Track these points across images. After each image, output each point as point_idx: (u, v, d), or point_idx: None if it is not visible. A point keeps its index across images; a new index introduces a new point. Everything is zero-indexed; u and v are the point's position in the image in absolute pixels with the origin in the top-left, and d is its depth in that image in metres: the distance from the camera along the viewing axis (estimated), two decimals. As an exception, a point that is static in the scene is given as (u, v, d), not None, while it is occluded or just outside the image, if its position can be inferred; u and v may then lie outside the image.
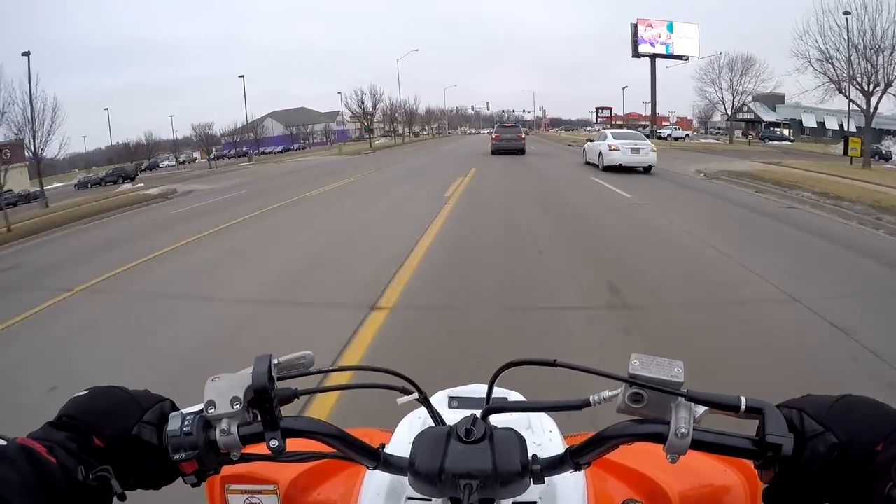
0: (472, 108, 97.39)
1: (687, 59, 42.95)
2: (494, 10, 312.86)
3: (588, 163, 16.46)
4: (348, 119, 72.05)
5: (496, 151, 23.56)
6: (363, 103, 45.92)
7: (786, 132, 46.93)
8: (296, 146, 62.10)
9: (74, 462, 0.43)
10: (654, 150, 14.35)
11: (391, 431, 0.71)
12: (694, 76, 42.73)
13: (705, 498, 0.72)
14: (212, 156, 47.15)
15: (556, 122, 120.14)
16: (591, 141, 17.48)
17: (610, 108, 76.90)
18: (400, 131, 62.54)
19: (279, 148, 59.99)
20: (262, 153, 55.17)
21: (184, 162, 55.05)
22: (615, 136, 14.98)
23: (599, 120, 76.25)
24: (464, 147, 34.08)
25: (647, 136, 17.34)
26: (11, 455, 0.40)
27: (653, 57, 44.09)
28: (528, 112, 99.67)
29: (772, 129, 48.41)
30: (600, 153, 15.00)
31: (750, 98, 42.72)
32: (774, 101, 47.45)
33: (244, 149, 52.19)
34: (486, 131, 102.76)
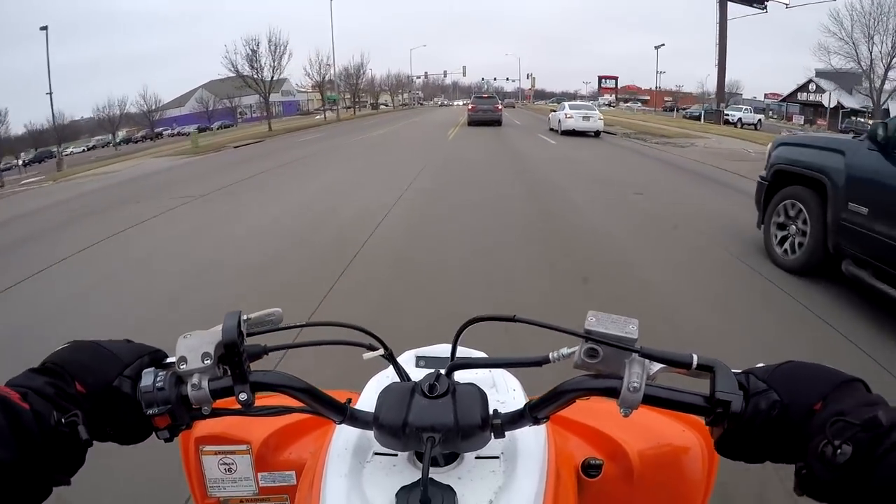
0: (445, 75, 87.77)
1: (765, 7, 30.37)
2: None
3: (551, 129, 20.55)
4: (298, 87, 66.73)
5: (472, 123, 24.05)
6: (309, 69, 42.55)
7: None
8: (217, 124, 53.05)
9: (49, 407, 0.45)
10: (601, 119, 18.68)
11: (359, 392, 0.73)
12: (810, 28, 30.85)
13: (664, 457, 0.76)
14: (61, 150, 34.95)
15: (542, 95, 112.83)
16: (554, 111, 22.09)
17: (616, 78, 75.65)
18: (350, 103, 58.72)
19: (190, 127, 48.86)
20: (158, 136, 50.42)
21: (94, 147, 48.49)
22: (571, 108, 19.60)
23: (601, 90, 74.60)
24: (409, 131, 23.68)
25: (713, 120, 21.45)
26: None
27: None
28: (513, 81, 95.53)
29: (853, 118, 34.40)
30: (559, 120, 19.27)
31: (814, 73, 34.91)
32: (852, 81, 33.63)
33: (157, 130, 49.40)
34: (460, 102, 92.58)
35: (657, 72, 62.52)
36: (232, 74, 33.45)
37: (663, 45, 52.54)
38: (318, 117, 44.02)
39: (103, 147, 48.25)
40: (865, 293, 3.51)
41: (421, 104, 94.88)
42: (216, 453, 0.80)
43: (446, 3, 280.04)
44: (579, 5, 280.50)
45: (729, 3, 30.49)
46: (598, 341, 0.50)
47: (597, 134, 18.58)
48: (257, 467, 0.80)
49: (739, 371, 0.50)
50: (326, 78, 44.28)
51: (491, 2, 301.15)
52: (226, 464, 0.80)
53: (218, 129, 50.81)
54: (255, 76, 32.73)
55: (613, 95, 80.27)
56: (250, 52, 32.07)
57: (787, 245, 4.29)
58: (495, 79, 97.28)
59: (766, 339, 3.07)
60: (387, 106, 79.01)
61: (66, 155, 42.51)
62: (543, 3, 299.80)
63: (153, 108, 54.46)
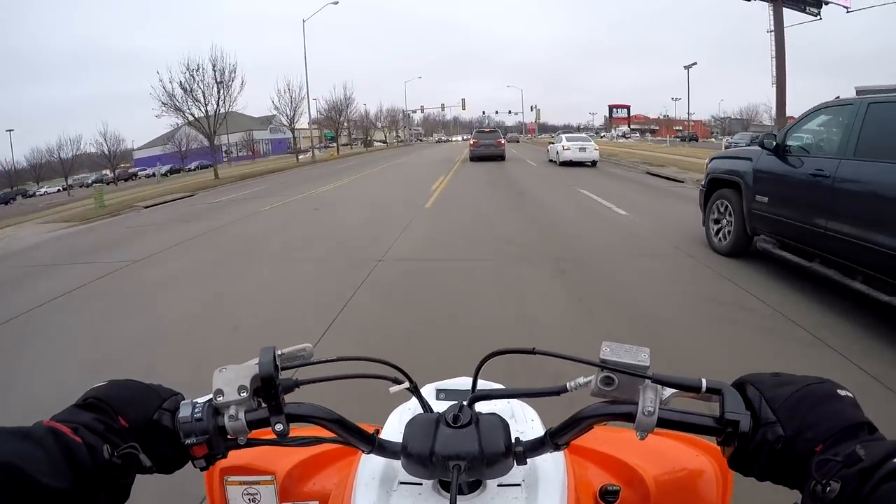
0: (443, 108, 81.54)
1: (819, 15, 24.36)
2: (470, 20, 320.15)
3: (550, 160, 21.74)
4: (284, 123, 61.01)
5: (475, 158, 23.36)
6: (288, 103, 35.75)
7: None
8: (194, 165, 49.75)
9: (100, 441, 0.47)
10: (596, 149, 19.78)
11: (381, 426, 0.75)
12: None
13: (679, 481, 0.78)
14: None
15: (545, 129, 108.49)
16: (552, 143, 23.35)
17: (628, 107, 73.57)
18: (345, 140, 56.00)
19: (162, 169, 41.88)
20: (130, 177, 47.56)
21: (72, 186, 45.63)
22: (568, 139, 20.58)
23: (612, 120, 71.04)
24: (380, 182, 16.98)
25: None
26: (39, 436, 0.44)
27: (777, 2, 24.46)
28: (516, 114, 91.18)
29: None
30: (557, 152, 20.46)
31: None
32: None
33: (134, 170, 46.75)
34: (460, 138, 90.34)
35: (688, 96, 48.92)
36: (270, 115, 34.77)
37: (695, 63, 41.87)
38: (302, 157, 40.75)
39: (78, 187, 45.28)
40: (772, 264, 4.78)
41: (420, 140, 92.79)
42: (241, 483, 0.81)
43: (441, 40, 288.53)
44: (577, 37, 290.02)
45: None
46: (613, 369, 0.52)
47: (593, 164, 19.84)
48: (281, 497, 0.81)
49: (749, 382, 0.52)
50: (299, 110, 37.31)
51: (487, 38, 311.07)
52: (250, 494, 0.81)
53: (194, 169, 48.25)
54: (196, 111, 25.34)
55: (627, 125, 77.65)
56: (187, 79, 24.49)
57: (720, 234, 5.58)
58: (497, 112, 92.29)
59: (692, 291, 4.35)
60: (383, 143, 75.79)
61: (30, 196, 43.08)
62: (541, 37, 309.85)
63: (114, 147, 49.98)
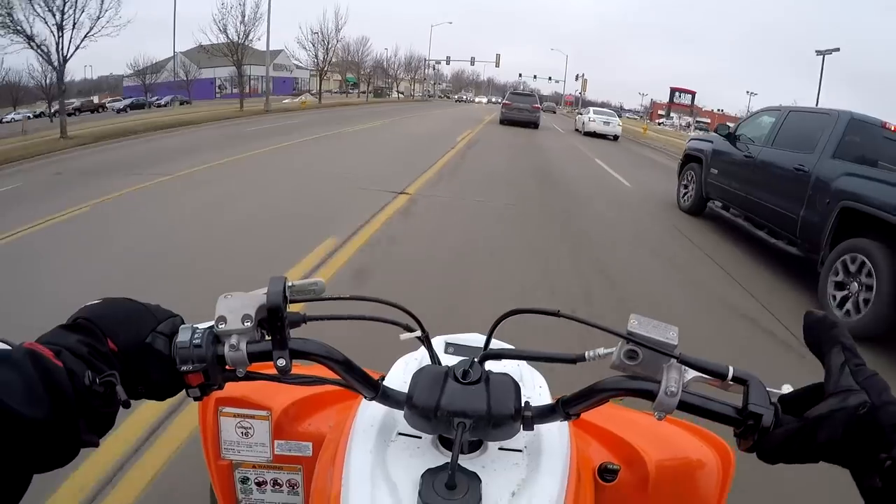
0: (473, 62, 69.90)
1: None
2: None
3: (576, 130, 23.80)
4: (297, 63, 54.14)
5: (505, 121, 21.90)
6: (314, 44, 34.78)
7: None
8: (165, 100, 42.48)
9: (83, 366, 0.44)
10: (620, 125, 21.78)
11: (385, 373, 0.73)
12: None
13: (679, 469, 0.78)
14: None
15: (586, 104, 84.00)
16: (580, 115, 25.35)
17: (693, 93, 62.61)
18: (347, 88, 51.35)
19: (120, 104, 38.91)
20: (101, 107, 39.25)
21: (40, 115, 34.34)
22: (595, 113, 22.97)
23: (670, 105, 62.23)
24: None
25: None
26: (17, 360, 0.41)
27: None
28: (557, 81, 79.61)
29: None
30: (584, 122, 22.51)
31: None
32: None
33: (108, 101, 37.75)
34: (483, 100, 79.05)
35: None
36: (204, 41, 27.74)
37: (836, 49, 32.11)
38: (298, 99, 37.34)
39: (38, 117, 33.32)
40: (717, 221, 6.69)
41: (448, 98, 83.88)
42: (235, 416, 0.81)
43: (483, 4, 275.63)
44: (626, 14, 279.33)
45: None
46: (640, 344, 0.50)
47: (615, 138, 21.63)
48: (275, 435, 0.81)
49: (776, 396, 0.51)
50: (253, 35, 29.45)
51: (532, 2, 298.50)
52: (243, 428, 0.81)
53: (165, 104, 40.89)
54: (227, 40, 26.71)
55: (691, 115, 64.86)
56: (220, 12, 26.30)
57: (685, 197, 7.48)
58: (535, 76, 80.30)
59: (660, 240, 6.27)
60: (400, 95, 67.83)
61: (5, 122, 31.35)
62: (587, 10, 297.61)
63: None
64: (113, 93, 48.96)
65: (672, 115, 65.62)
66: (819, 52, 29.03)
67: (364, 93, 51.28)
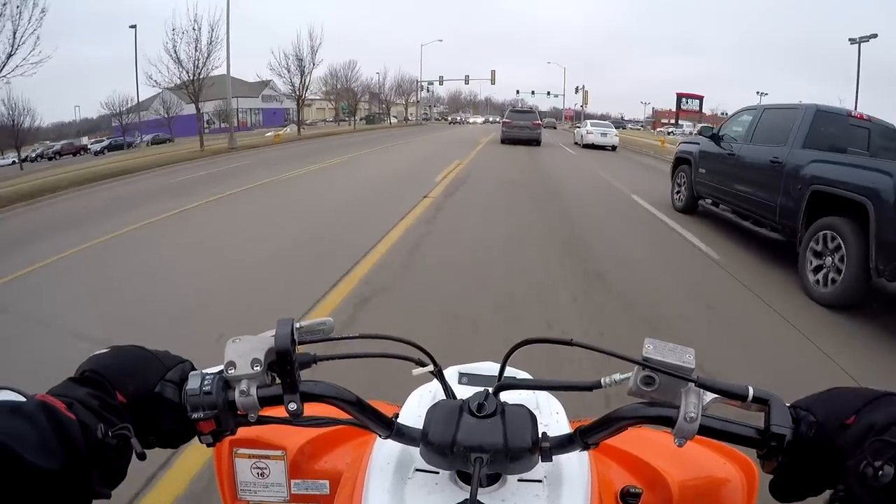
0: (467, 81, 63.93)
1: None
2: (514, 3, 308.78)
3: (575, 143, 24.48)
4: (272, 93, 50.40)
5: (507, 140, 21.52)
6: (290, 67, 31.15)
7: None
8: (147, 138, 40.20)
9: (94, 419, 0.45)
10: (616, 136, 22.43)
11: (400, 405, 0.74)
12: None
13: (703, 489, 0.77)
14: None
15: (588, 118, 74.42)
16: (577, 128, 26.29)
17: (700, 98, 56.70)
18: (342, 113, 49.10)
19: (98, 146, 37.59)
20: (83, 150, 37.96)
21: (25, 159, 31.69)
22: (592, 125, 23.95)
23: (679, 113, 57.51)
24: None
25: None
26: (30, 411, 0.42)
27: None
28: (556, 96, 75.57)
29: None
30: (582, 136, 23.19)
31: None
32: None
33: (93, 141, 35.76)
34: (479, 120, 76.26)
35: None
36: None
37: (874, 35, 28.01)
38: (268, 134, 33.74)
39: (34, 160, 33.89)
40: (706, 217, 7.13)
41: (444, 120, 78.50)
42: (250, 457, 0.81)
43: (474, 22, 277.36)
44: (621, 25, 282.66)
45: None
46: (656, 369, 0.50)
47: (613, 148, 22.22)
48: (291, 474, 0.81)
49: (796, 405, 0.51)
50: (308, 78, 32.49)
51: (523, 17, 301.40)
52: (259, 468, 0.81)
53: (133, 145, 38.34)
54: (182, 70, 22.06)
55: (700, 121, 54.91)
56: (171, 41, 21.38)
57: (678, 196, 7.92)
58: (533, 92, 76.75)
59: (648, 237, 6.69)
60: (394, 120, 63.71)
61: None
62: (583, 20, 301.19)
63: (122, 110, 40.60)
64: (103, 133, 45.85)
65: (682, 123, 61.69)
66: (853, 41, 26.81)
67: (351, 120, 47.99)
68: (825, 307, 4.16)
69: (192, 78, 22.22)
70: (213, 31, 22.35)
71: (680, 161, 7.98)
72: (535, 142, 21.50)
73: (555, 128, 54.10)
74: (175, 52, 21.83)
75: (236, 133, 24.33)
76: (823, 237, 4.37)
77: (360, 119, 58.49)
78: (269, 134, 34.78)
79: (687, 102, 58.98)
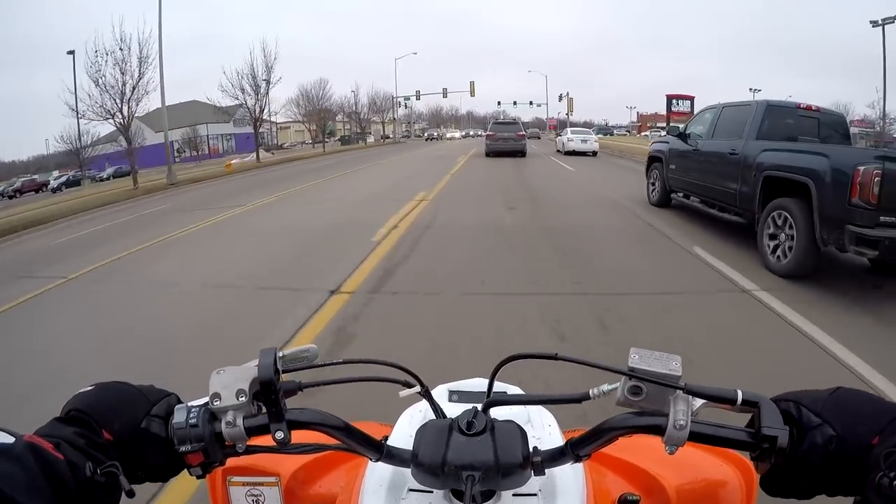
0: (445, 94, 60.58)
1: None
2: (482, 11, 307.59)
3: (558, 151, 25.20)
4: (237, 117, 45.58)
5: (491, 153, 21.47)
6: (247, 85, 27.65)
7: None
8: (107, 172, 37.46)
9: (82, 458, 0.46)
10: (596, 142, 23.32)
11: (391, 425, 0.74)
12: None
13: (701, 492, 0.77)
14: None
15: (573, 125, 68.55)
16: (559, 136, 27.15)
17: (692, 99, 51.90)
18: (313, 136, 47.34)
19: (55, 183, 35.44)
20: (38, 189, 35.68)
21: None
22: (572, 132, 24.68)
23: (671, 115, 51.96)
24: None
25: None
26: (18, 453, 0.42)
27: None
28: (539, 105, 73.00)
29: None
30: (563, 143, 23.99)
31: None
32: None
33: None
34: (458, 134, 70.94)
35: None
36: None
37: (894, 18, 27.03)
38: (234, 161, 30.15)
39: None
40: (679, 209, 7.72)
41: (427, 137, 69.79)
42: (244, 485, 0.81)
43: (451, 36, 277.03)
44: (601, 33, 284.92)
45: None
46: (643, 379, 0.50)
47: (594, 154, 22.95)
48: (286, 500, 0.81)
49: (784, 399, 0.51)
50: (263, 98, 28.98)
51: (502, 31, 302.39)
52: (253, 496, 0.81)
53: (106, 178, 36.23)
54: (104, 103, 18.85)
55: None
56: (95, 62, 18.33)
57: (653, 192, 8.51)
58: (515, 103, 73.05)
59: (623, 226, 7.24)
60: (369, 139, 59.96)
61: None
62: (562, 30, 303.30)
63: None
64: (72, 166, 42.07)
65: (675, 125, 60.96)
66: (875, 23, 26.47)
67: (324, 142, 44.88)
68: (783, 277, 4.67)
69: (120, 105, 18.97)
70: (142, 49, 18.92)
71: (653, 159, 8.57)
72: (520, 153, 21.36)
73: (538, 138, 53.65)
74: (100, 76, 18.47)
75: (209, 161, 22.00)
76: (777, 217, 4.91)
77: (336, 140, 57.67)
78: (241, 160, 31.58)
79: (678, 104, 56.23)
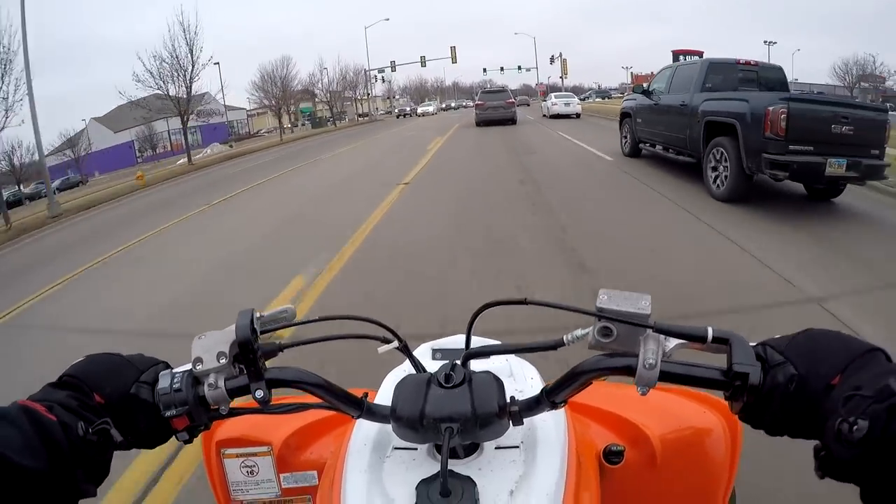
0: (423, 62, 54.20)
1: None
2: None
3: (544, 115, 26.38)
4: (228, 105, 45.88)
5: (481, 122, 21.20)
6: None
7: None
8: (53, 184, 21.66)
9: (74, 418, 0.48)
10: (579, 105, 24.63)
11: (375, 391, 0.75)
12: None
13: (686, 440, 0.78)
14: None
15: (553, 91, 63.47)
16: (544, 102, 28.32)
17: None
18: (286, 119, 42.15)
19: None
20: None
21: None
22: (556, 97, 25.87)
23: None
24: None
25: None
26: (13, 416, 0.45)
27: None
28: (528, 70, 66.64)
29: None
30: (548, 108, 25.25)
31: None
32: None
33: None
34: (431, 109, 55.86)
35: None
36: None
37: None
38: (180, 162, 25.66)
39: None
40: (652, 161, 9.00)
41: (398, 113, 57.12)
42: (237, 456, 0.83)
43: (430, 6, 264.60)
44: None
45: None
46: (612, 319, 0.51)
47: (577, 116, 24.15)
48: (279, 468, 0.83)
49: (756, 343, 0.51)
50: (193, 82, 22.48)
51: (481, 5, 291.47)
52: (248, 466, 0.83)
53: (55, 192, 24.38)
54: None
55: None
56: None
57: (625, 144, 9.77)
58: (502, 69, 67.74)
59: (602, 178, 8.52)
60: (338, 121, 49.58)
61: None
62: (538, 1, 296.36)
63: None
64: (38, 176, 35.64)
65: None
66: None
67: (280, 129, 39.33)
68: (722, 202, 5.94)
69: None
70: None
71: (624, 115, 9.79)
72: (510, 121, 21.09)
73: (528, 105, 51.34)
74: None
75: (169, 158, 17.30)
76: (716, 153, 6.16)
77: (303, 124, 52.85)
78: (179, 163, 26.21)
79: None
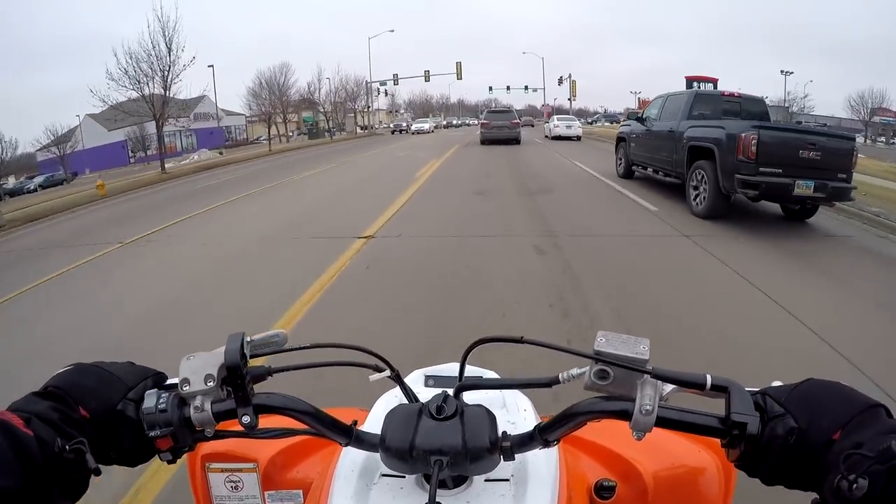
0: (427, 77, 54.17)
1: None
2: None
3: (546, 136, 27.39)
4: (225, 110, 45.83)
5: (486, 141, 22.00)
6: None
7: None
8: (36, 181, 34.13)
9: (52, 433, 0.46)
10: (580, 128, 25.75)
11: (368, 410, 0.75)
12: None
13: (679, 478, 0.77)
14: None
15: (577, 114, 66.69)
16: (547, 124, 29.56)
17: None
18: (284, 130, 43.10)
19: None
20: None
21: None
22: (558, 119, 27.08)
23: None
24: None
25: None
26: None
27: None
28: (535, 90, 67.15)
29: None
30: (550, 129, 26.42)
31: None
32: None
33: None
34: (426, 126, 47.47)
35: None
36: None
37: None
38: (157, 171, 21.26)
39: None
40: (643, 182, 9.81)
41: (394, 129, 51.33)
42: (223, 471, 0.82)
43: (438, 23, 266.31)
44: (600, 19, 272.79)
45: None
46: (609, 363, 0.50)
47: (578, 138, 25.13)
48: (264, 486, 0.83)
49: (755, 390, 0.51)
50: (171, 84, 20.62)
51: (489, 19, 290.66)
52: (232, 482, 0.82)
53: (33, 190, 31.51)
54: None
55: None
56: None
57: (619, 167, 10.54)
58: (508, 88, 68.25)
59: (597, 196, 9.31)
60: (337, 133, 49.98)
61: None
62: (554, 19, 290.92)
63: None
64: (30, 171, 41.05)
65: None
66: None
67: (270, 140, 36.60)
68: (702, 218, 6.69)
69: None
70: None
71: (620, 139, 10.60)
72: (514, 140, 21.78)
73: (532, 125, 50.89)
74: None
75: (150, 163, 17.10)
76: (697, 174, 6.91)
77: (300, 134, 52.73)
78: (196, 159, 25.32)
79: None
